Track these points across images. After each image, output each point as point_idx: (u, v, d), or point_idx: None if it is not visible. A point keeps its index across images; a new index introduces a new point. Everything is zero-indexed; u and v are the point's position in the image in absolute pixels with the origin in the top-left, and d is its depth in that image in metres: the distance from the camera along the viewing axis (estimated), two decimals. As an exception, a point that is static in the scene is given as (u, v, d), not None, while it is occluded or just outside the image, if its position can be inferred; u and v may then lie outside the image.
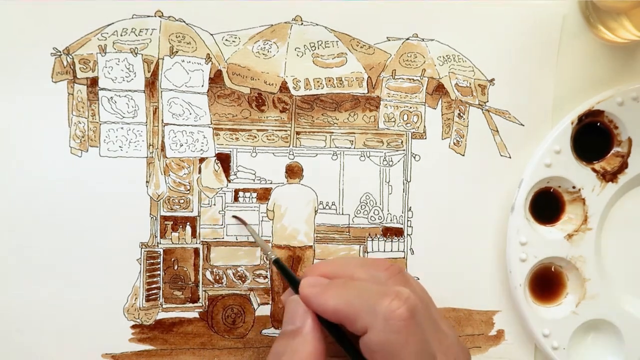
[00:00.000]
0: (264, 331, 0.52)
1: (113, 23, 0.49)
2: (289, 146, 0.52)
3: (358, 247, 0.53)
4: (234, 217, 0.51)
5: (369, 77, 0.52)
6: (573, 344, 0.53)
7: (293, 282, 0.42)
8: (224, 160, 0.51)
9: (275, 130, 0.52)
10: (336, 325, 0.39)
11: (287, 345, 0.39)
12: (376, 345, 0.36)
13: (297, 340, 0.39)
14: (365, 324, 0.36)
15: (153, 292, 0.50)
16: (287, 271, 0.44)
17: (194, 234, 0.51)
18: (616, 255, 0.54)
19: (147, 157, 0.50)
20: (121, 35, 0.49)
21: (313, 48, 0.51)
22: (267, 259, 0.51)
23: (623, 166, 0.53)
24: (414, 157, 0.53)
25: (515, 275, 0.52)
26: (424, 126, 0.53)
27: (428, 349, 0.37)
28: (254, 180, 0.52)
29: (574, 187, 0.53)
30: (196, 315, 0.51)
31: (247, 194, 0.52)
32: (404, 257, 0.53)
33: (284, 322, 0.41)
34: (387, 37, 0.52)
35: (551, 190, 0.54)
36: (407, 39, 0.52)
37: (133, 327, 0.50)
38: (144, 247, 0.50)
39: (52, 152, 0.48)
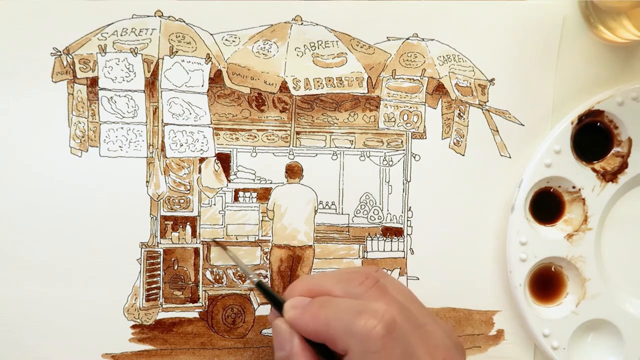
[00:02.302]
0: (264, 331, 0.52)
1: (113, 23, 0.49)
2: (289, 146, 0.52)
3: (358, 247, 0.53)
4: (214, 241, 0.51)
5: (369, 77, 0.52)
6: (573, 344, 0.53)
7: (277, 304, 0.42)
8: (224, 160, 0.51)
9: (275, 130, 0.52)
10: (323, 345, 0.39)
11: None
12: None
13: None
14: (344, 345, 0.36)
15: (153, 292, 0.50)
16: (271, 293, 0.43)
17: (194, 233, 0.51)
18: (616, 255, 0.54)
19: (147, 157, 0.50)
20: (121, 35, 0.49)
21: (313, 48, 0.51)
22: (250, 282, 0.50)
23: (623, 166, 0.53)
24: (414, 157, 0.53)
25: (515, 275, 0.52)
26: (424, 126, 0.53)
27: (412, 356, 0.36)
28: (254, 180, 0.52)
29: (574, 187, 0.53)
30: (196, 315, 0.51)
31: (247, 194, 0.52)
32: (403, 257, 0.53)
33: (275, 348, 0.41)
34: (387, 37, 0.52)
35: (551, 190, 0.54)
36: (407, 38, 0.52)
37: (133, 327, 0.50)
38: (144, 247, 0.50)
39: (52, 152, 0.48)
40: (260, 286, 0.44)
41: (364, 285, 0.39)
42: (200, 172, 0.51)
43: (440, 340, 0.38)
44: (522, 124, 0.54)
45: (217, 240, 0.51)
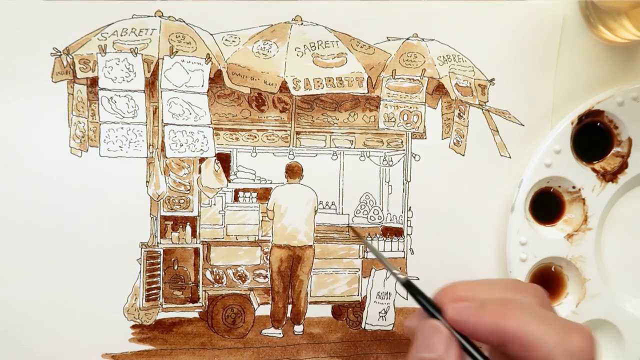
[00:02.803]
0: (263, 331, 0.52)
1: (113, 23, 0.49)
2: (289, 146, 0.52)
3: (358, 247, 0.53)
4: (350, 227, 0.51)
5: (369, 77, 0.52)
6: (573, 344, 0.53)
7: (431, 306, 0.37)
8: (224, 160, 0.51)
9: (275, 130, 0.52)
10: (479, 351, 0.36)
11: None
12: None
13: None
14: (549, 355, 0.33)
15: (153, 292, 0.50)
16: (423, 294, 0.38)
17: (194, 233, 0.51)
18: (616, 255, 0.54)
19: (147, 157, 0.50)
20: (121, 35, 0.49)
21: (313, 48, 0.51)
22: (397, 281, 0.44)
23: (623, 166, 0.53)
24: (414, 157, 0.53)
25: (515, 275, 0.52)
26: (424, 126, 0.53)
27: None
28: (254, 180, 0.52)
29: (574, 187, 0.53)
30: (196, 315, 0.51)
31: (247, 194, 0.52)
32: (403, 257, 0.53)
33: (417, 347, 0.36)
34: (387, 37, 0.52)
35: (551, 190, 0.54)
36: (407, 38, 0.52)
37: (133, 327, 0.50)
38: (144, 247, 0.50)
39: (52, 152, 0.48)
40: (409, 285, 0.40)
41: (540, 298, 0.37)
42: (200, 172, 0.51)
43: None
44: (522, 124, 0.54)
45: (352, 226, 0.51)
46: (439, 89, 0.53)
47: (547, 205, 0.54)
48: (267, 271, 0.52)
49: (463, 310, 0.35)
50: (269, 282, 0.52)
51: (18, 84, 0.48)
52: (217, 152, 0.51)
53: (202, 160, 0.51)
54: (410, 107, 0.53)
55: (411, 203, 0.53)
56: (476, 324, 0.35)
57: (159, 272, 0.51)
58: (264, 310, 0.52)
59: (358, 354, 0.53)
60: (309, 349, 0.53)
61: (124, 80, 0.49)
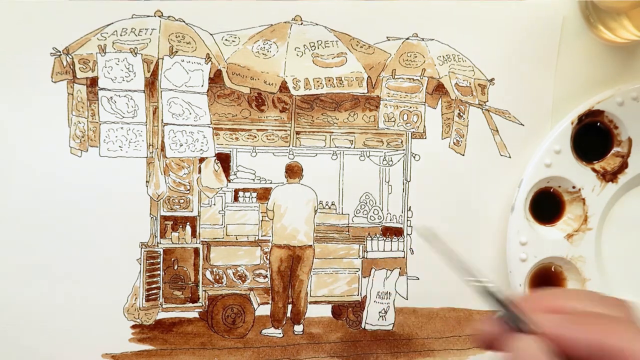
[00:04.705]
0: (263, 331, 0.52)
1: (113, 23, 0.49)
2: (289, 146, 0.52)
3: (358, 247, 0.53)
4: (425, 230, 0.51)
5: (368, 76, 0.52)
6: (573, 344, 0.53)
7: (520, 320, 0.35)
8: (224, 160, 0.51)
9: (275, 130, 0.52)
10: None
11: None
12: None
13: None
14: None
15: (153, 292, 0.50)
16: (509, 307, 0.35)
17: (193, 233, 0.51)
18: (616, 255, 0.54)
19: (147, 157, 0.50)
20: (121, 35, 0.49)
21: (313, 48, 0.51)
22: (479, 288, 0.39)
23: (623, 166, 0.53)
24: (414, 157, 0.53)
25: (515, 275, 0.52)
26: (424, 126, 0.53)
27: None
28: (253, 180, 0.52)
29: (574, 187, 0.53)
30: (196, 315, 0.51)
31: (247, 194, 0.52)
32: (403, 257, 0.53)
33: None
34: (387, 37, 0.52)
35: (551, 190, 0.54)
36: (407, 38, 0.52)
37: (133, 327, 0.50)
38: (144, 247, 0.50)
39: (52, 152, 0.48)
40: (493, 296, 0.37)
41: (627, 313, 0.35)
42: (200, 172, 0.51)
43: None
44: (521, 124, 0.54)
45: (426, 230, 0.51)
46: (439, 89, 0.53)
47: (547, 205, 0.54)
48: (267, 271, 0.52)
49: (561, 323, 0.33)
50: (269, 282, 0.52)
51: (18, 84, 0.48)
52: (217, 152, 0.51)
53: (202, 160, 0.51)
54: (410, 107, 0.53)
55: (411, 203, 0.53)
56: (575, 338, 0.32)
57: (158, 272, 0.51)
58: (264, 310, 0.52)
59: (358, 354, 0.53)
60: (309, 348, 0.53)
61: (123, 80, 0.49)
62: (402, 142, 0.53)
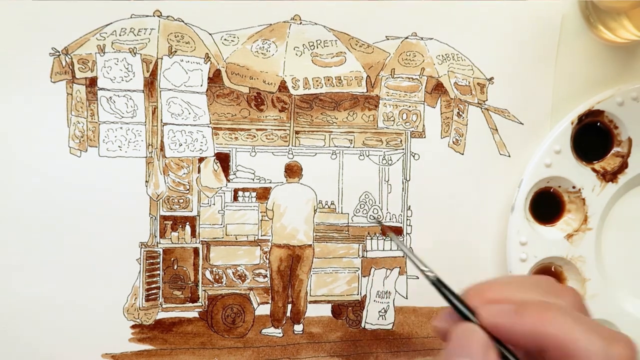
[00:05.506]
0: (263, 331, 0.52)
1: (112, 23, 0.49)
2: (288, 145, 0.52)
3: (357, 246, 0.54)
4: (378, 221, 0.51)
5: (368, 76, 0.52)
6: (572, 344, 0.53)
7: (465, 308, 0.35)
8: (223, 159, 0.51)
9: (275, 130, 0.52)
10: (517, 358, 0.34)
11: None
12: None
13: None
14: None
15: (153, 292, 0.50)
16: (457, 295, 0.36)
17: (193, 233, 0.51)
18: (616, 255, 0.54)
19: (146, 157, 0.50)
20: (120, 35, 0.49)
21: (312, 47, 0.51)
22: (426, 279, 0.39)
23: (623, 166, 0.53)
24: (413, 156, 0.53)
25: (515, 275, 0.52)
26: (423, 125, 0.53)
27: None
28: (253, 179, 0.52)
29: (574, 187, 0.53)
30: (196, 315, 0.51)
31: (247, 194, 0.52)
32: (403, 256, 0.53)
33: (453, 351, 0.34)
34: (386, 36, 0.52)
35: (551, 190, 0.54)
36: (406, 37, 0.52)
37: (133, 327, 0.50)
38: (143, 247, 0.50)
39: (51, 152, 0.48)
40: (440, 284, 0.37)
41: (575, 300, 0.36)
42: (199, 171, 0.51)
43: None
44: (521, 123, 0.53)
45: (379, 220, 0.51)
46: (438, 88, 0.53)
47: (547, 205, 0.54)
48: (266, 271, 0.52)
49: (499, 313, 0.34)
50: (269, 281, 0.52)
51: (17, 84, 0.48)
52: (216, 151, 0.51)
53: (201, 159, 0.51)
54: (410, 106, 0.53)
55: (410, 202, 0.53)
56: (514, 328, 0.33)
57: (158, 272, 0.51)
58: (264, 310, 0.52)
59: (358, 353, 0.54)
60: (309, 348, 0.53)
61: (122, 80, 0.49)
62: (401, 141, 0.53)
